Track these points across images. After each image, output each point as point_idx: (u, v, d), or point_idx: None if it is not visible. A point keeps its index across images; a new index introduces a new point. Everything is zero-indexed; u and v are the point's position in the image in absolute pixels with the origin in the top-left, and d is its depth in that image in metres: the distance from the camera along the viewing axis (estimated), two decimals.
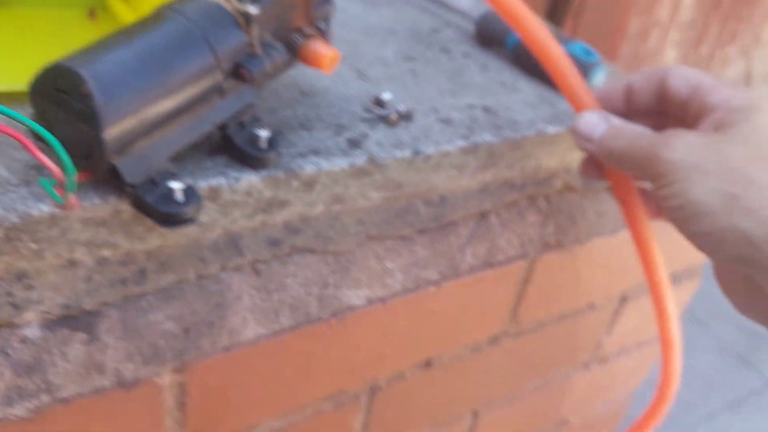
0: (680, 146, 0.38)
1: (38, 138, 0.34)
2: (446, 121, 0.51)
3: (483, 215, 0.53)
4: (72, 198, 0.34)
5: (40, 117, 0.36)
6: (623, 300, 0.76)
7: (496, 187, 0.54)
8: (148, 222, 0.39)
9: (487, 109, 0.54)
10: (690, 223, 0.38)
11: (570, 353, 0.73)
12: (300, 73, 0.51)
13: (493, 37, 0.64)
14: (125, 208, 0.37)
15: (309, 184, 0.43)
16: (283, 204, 0.43)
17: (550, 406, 0.72)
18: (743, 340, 1.87)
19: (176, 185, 0.36)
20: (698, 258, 0.78)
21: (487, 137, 0.50)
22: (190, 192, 0.37)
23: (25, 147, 0.31)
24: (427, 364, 0.54)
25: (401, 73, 0.57)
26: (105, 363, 0.37)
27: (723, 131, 0.38)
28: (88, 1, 0.53)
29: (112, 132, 0.34)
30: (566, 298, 0.66)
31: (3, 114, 0.32)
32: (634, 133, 0.42)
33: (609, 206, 0.64)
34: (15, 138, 0.29)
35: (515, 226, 0.54)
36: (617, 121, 0.44)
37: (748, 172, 0.36)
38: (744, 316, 0.43)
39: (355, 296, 0.46)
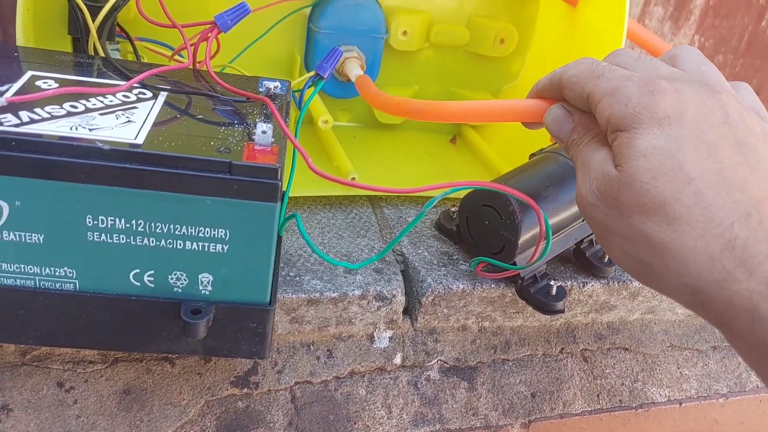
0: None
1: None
2: None
3: None
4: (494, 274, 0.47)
5: (465, 220, 0.51)
6: None
7: None
8: (520, 306, 0.51)
9: None
10: None
11: None
12: None
13: None
14: (508, 293, 0.50)
15: (634, 295, 0.54)
16: (611, 307, 0.54)
17: None
18: None
19: (553, 283, 0.49)
20: None
21: None
22: (560, 290, 0.49)
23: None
24: None
25: None
26: (479, 408, 0.49)
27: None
28: (451, 130, 0.69)
29: (522, 238, 0.47)
30: None
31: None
32: None
33: None
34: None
35: None
36: None
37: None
38: None
39: (657, 394, 0.54)
